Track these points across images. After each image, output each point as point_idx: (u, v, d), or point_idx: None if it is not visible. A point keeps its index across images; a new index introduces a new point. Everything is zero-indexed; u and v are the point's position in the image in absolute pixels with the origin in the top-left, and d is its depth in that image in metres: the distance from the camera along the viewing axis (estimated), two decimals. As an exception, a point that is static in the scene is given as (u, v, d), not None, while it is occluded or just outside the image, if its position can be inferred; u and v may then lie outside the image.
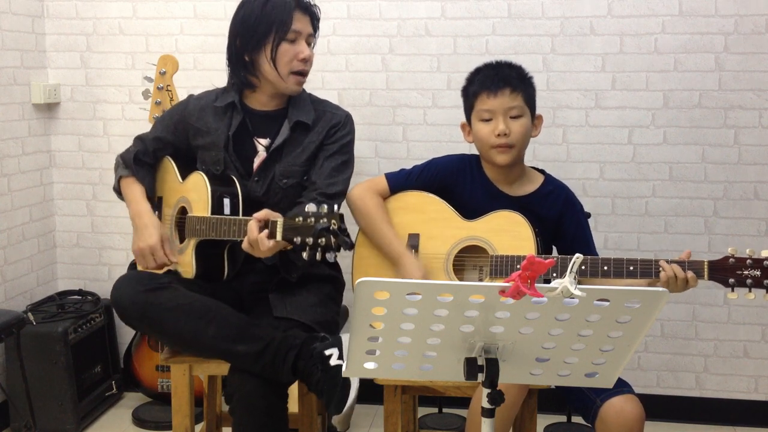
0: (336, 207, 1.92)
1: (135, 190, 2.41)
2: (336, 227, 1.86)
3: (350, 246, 1.88)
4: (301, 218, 1.90)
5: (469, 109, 2.29)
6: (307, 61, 2.31)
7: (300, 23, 2.29)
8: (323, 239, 1.87)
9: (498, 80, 2.21)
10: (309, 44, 2.34)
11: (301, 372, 2.09)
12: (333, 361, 2.05)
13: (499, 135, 2.18)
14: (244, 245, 2.06)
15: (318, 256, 1.89)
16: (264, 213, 2.03)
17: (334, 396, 2.02)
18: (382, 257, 2.29)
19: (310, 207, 1.91)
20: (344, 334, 2.11)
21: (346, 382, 2.01)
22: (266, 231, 1.99)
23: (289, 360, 2.09)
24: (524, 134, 2.22)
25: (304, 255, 1.90)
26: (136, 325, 2.24)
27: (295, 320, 2.21)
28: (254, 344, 2.10)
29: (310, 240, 1.88)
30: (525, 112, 2.22)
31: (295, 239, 1.90)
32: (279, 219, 1.96)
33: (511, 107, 2.20)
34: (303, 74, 2.32)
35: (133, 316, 2.17)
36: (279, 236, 1.95)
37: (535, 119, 2.28)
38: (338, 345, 2.10)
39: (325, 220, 1.87)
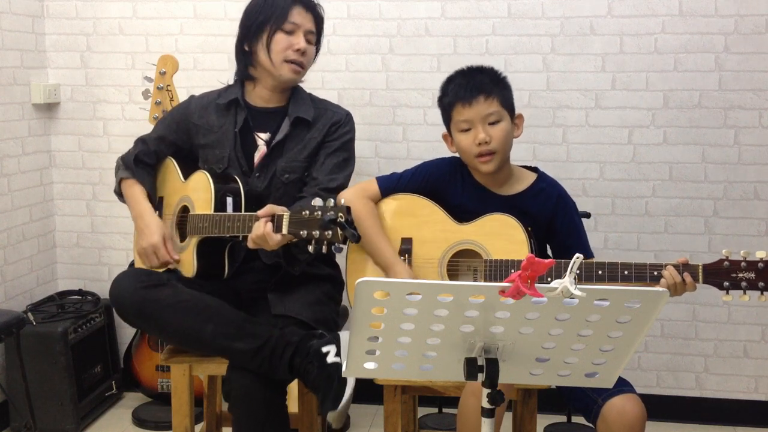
0: (342, 201, 1.92)
1: (136, 191, 2.42)
2: (343, 220, 1.86)
3: (357, 239, 1.88)
4: (307, 212, 1.90)
5: (447, 121, 2.28)
6: (304, 53, 2.33)
7: (300, 17, 2.33)
8: (330, 232, 1.87)
9: (470, 89, 2.18)
10: (309, 42, 2.37)
11: (298, 369, 2.10)
12: (330, 359, 2.06)
13: (480, 144, 2.17)
14: (250, 242, 2.06)
15: (324, 249, 1.89)
16: (268, 209, 2.04)
17: (330, 393, 2.01)
18: (374, 262, 2.29)
19: (317, 201, 1.91)
20: (343, 332, 2.11)
21: (343, 378, 2.01)
22: (272, 225, 1.99)
23: (285, 357, 2.09)
24: (505, 139, 2.20)
25: (310, 248, 1.90)
26: (134, 321, 2.24)
27: (294, 317, 2.21)
28: (252, 341, 2.10)
29: (316, 233, 1.88)
30: (503, 115, 2.20)
31: (301, 232, 1.91)
32: (285, 213, 1.96)
33: (489, 114, 2.18)
34: (298, 64, 2.34)
35: (131, 313, 2.17)
36: (285, 230, 1.95)
37: (516, 119, 2.26)
38: (336, 342, 2.10)
39: (332, 212, 1.87)
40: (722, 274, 2.00)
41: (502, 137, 2.19)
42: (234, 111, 2.40)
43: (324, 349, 2.08)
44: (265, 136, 2.38)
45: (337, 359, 2.05)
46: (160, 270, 2.32)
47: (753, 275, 1.98)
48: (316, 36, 2.40)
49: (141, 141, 2.50)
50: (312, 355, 2.08)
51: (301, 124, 2.37)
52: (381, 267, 2.25)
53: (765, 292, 1.97)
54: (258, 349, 2.09)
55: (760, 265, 1.97)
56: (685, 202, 3.06)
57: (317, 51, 2.44)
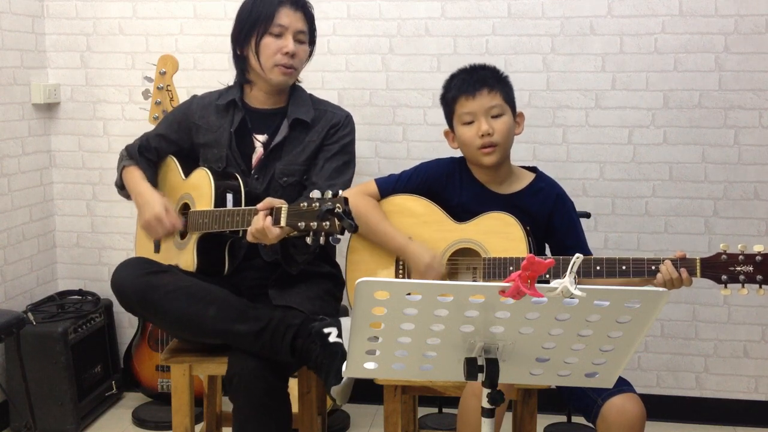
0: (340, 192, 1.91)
1: (136, 174, 2.43)
2: (340, 210, 1.86)
3: (355, 228, 1.87)
4: (305, 203, 1.91)
5: (450, 115, 2.29)
6: (293, 55, 2.32)
7: (287, 18, 2.31)
8: (327, 222, 1.86)
9: (474, 82, 2.21)
10: (301, 41, 2.35)
11: (300, 350, 2.10)
12: (332, 339, 2.06)
13: (483, 135, 2.19)
14: (249, 236, 2.06)
15: (322, 240, 1.89)
16: (267, 202, 2.04)
17: (333, 368, 2.01)
18: (374, 263, 2.29)
19: (315, 193, 1.91)
20: (344, 318, 2.12)
21: (345, 355, 2.00)
22: (271, 218, 1.99)
23: (287, 339, 2.09)
24: (508, 132, 2.22)
25: (308, 240, 1.90)
26: (136, 309, 2.24)
27: (295, 308, 2.22)
28: (254, 324, 2.11)
29: (314, 224, 1.88)
30: (506, 110, 2.22)
31: (299, 224, 1.90)
32: (283, 205, 1.97)
33: (492, 106, 2.20)
34: (288, 67, 2.32)
35: (133, 300, 2.18)
36: (283, 222, 1.95)
37: (517, 116, 2.28)
38: (337, 326, 2.11)
39: (330, 203, 1.87)
40: (720, 268, 2.00)
41: (504, 130, 2.20)
42: (232, 112, 2.40)
43: (325, 330, 2.09)
44: (262, 137, 2.38)
45: (338, 340, 2.06)
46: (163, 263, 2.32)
47: (751, 269, 1.98)
48: (308, 35, 2.38)
49: (144, 137, 2.52)
50: (314, 336, 2.09)
51: (299, 126, 2.37)
52: (395, 253, 2.25)
53: (763, 286, 1.98)
54: (260, 332, 2.10)
55: (758, 258, 1.97)
56: (685, 202, 3.06)
57: (312, 48, 2.43)
